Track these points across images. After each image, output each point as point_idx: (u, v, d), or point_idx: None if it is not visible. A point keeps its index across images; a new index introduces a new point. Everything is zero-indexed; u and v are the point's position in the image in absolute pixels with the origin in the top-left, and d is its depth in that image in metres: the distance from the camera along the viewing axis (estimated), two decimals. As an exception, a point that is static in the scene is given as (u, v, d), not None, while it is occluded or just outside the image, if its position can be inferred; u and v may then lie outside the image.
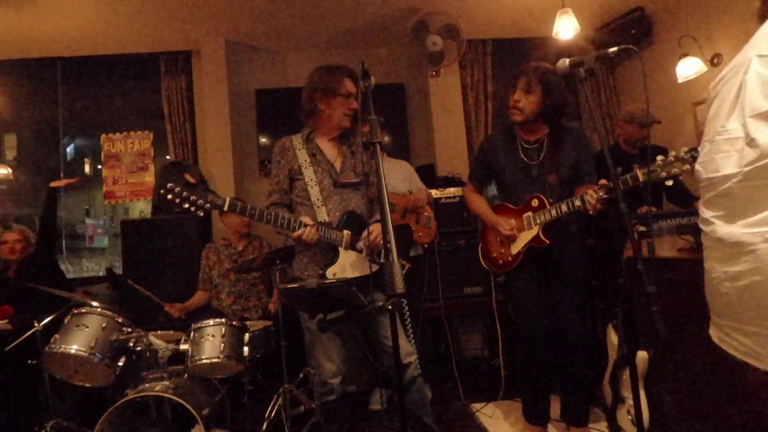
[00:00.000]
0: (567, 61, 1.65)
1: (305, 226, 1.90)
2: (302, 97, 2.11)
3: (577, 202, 2.01)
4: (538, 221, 2.15)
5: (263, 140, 4.40)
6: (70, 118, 4.56)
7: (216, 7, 3.70)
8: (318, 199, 2.02)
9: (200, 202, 1.81)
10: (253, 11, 3.81)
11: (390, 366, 1.99)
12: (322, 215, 2.01)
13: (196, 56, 4.32)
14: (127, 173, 4.40)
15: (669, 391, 2.29)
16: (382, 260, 1.99)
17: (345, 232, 2.00)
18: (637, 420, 1.69)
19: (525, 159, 2.25)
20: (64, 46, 4.06)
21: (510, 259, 2.26)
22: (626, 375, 2.20)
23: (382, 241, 1.97)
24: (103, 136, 4.42)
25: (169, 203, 1.78)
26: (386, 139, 4.23)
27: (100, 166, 4.48)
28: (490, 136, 2.43)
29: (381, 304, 1.36)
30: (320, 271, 2.00)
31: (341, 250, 2.00)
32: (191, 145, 4.27)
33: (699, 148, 1.59)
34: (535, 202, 2.18)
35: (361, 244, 2.04)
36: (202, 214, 1.81)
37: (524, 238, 2.21)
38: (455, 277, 3.41)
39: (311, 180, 2.04)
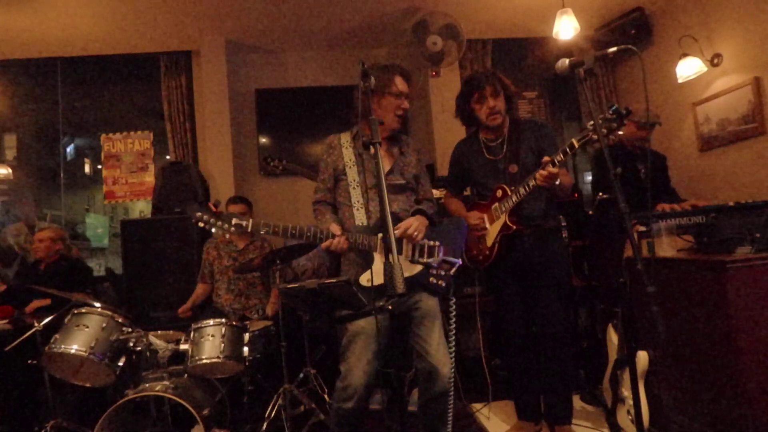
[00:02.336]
0: (567, 61, 1.66)
1: (333, 236, 1.85)
2: (353, 96, 2.04)
3: (531, 182, 2.09)
4: (504, 209, 2.23)
5: (263, 140, 4.40)
6: (70, 118, 4.56)
7: (216, 7, 3.70)
8: (358, 201, 1.97)
9: (226, 226, 1.85)
10: (253, 11, 3.81)
11: (422, 369, 1.92)
12: (361, 218, 1.95)
13: (196, 56, 4.32)
14: (127, 173, 4.40)
15: (669, 391, 2.29)
16: (425, 260, 1.94)
17: (379, 235, 1.91)
18: (637, 420, 1.69)
19: (490, 157, 2.36)
20: (64, 46, 4.06)
21: (487, 252, 2.33)
22: (626, 375, 2.20)
23: (418, 235, 1.92)
24: (103, 136, 4.42)
25: (201, 228, 1.89)
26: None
27: (100, 166, 4.48)
28: (458, 144, 2.52)
29: (381, 303, 1.34)
30: (353, 279, 1.93)
31: (376, 255, 1.92)
32: (191, 145, 4.27)
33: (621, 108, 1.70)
34: (499, 193, 2.26)
35: (400, 246, 1.95)
36: (228, 236, 1.85)
37: (495, 229, 2.29)
38: (455, 277, 3.40)
39: (354, 181, 1.99)
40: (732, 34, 3.44)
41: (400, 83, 2.00)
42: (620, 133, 3.16)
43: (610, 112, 1.79)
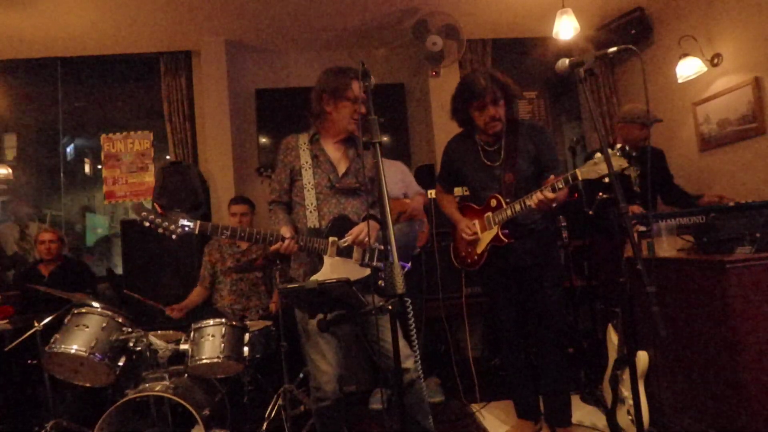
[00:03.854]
0: (567, 61, 1.65)
1: (283, 239, 1.89)
2: (311, 97, 2.07)
3: (528, 201, 2.05)
4: (496, 221, 2.21)
5: (263, 140, 4.40)
6: (70, 118, 4.56)
7: (216, 7, 3.70)
8: (311, 203, 1.99)
9: (172, 227, 1.86)
10: (253, 11, 3.81)
11: (387, 368, 1.96)
12: (314, 220, 1.97)
13: (196, 56, 4.32)
14: (127, 173, 4.40)
15: (669, 391, 2.29)
16: (371, 263, 1.97)
17: (330, 239, 1.95)
18: (637, 420, 1.69)
19: (487, 162, 2.31)
20: (64, 46, 4.06)
21: (476, 257, 2.33)
22: (626, 375, 2.20)
23: (367, 241, 1.95)
24: (103, 136, 4.42)
25: (148, 228, 1.87)
26: (385, 139, 4.23)
27: (100, 166, 4.48)
28: (451, 141, 2.47)
29: (381, 303, 1.34)
30: (302, 280, 1.99)
31: (326, 257, 1.96)
32: (191, 145, 4.27)
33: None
34: (493, 202, 2.24)
35: (351, 249, 1.99)
36: (174, 237, 1.87)
37: (486, 238, 2.27)
38: (455, 277, 3.41)
39: (309, 183, 2.00)
40: (732, 34, 3.44)
41: (356, 87, 1.98)
42: (619, 134, 3.17)
43: (619, 152, 1.78)
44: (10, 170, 4.42)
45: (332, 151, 2.09)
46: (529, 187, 2.13)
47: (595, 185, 2.99)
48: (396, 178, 3.07)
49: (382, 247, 2.02)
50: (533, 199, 2.01)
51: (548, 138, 2.31)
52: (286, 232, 1.92)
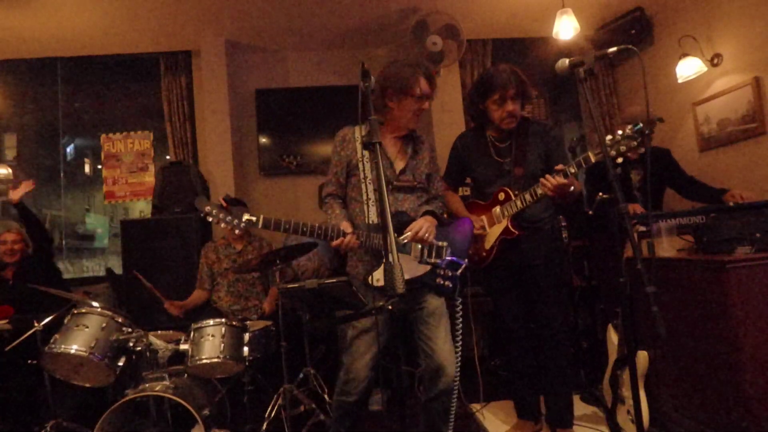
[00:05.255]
0: (567, 61, 1.65)
1: (344, 234, 1.83)
2: (375, 89, 1.94)
3: (538, 189, 2.03)
4: (506, 213, 2.19)
5: (263, 140, 4.40)
6: (70, 118, 4.56)
7: (216, 7, 3.70)
8: (370, 198, 1.92)
9: (236, 221, 1.84)
10: (253, 11, 3.81)
11: (426, 367, 1.92)
12: (373, 215, 1.91)
13: (196, 56, 4.32)
14: (127, 173, 4.40)
15: (669, 391, 2.29)
16: (433, 260, 1.92)
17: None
18: (637, 420, 1.69)
19: (497, 158, 2.30)
20: (64, 46, 4.06)
21: (484, 254, 2.30)
22: (626, 375, 2.20)
23: (429, 237, 1.90)
24: (103, 136, 4.42)
25: (201, 228, 1.84)
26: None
27: (100, 166, 4.48)
28: (462, 135, 2.46)
29: (381, 303, 1.32)
30: (363, 277, 1.93)
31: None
32: (191, 145, 4.27)
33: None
34: (501, 196, 2.22)
35: (409, 246, 1.94)
36: (238, 232, 1.82)
37: (495, 232, 2.25)
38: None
39: (366, 177, 1.94)
40: (732, 34, 3.44)
41: (423, 85, 1.94)
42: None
43: (633, 130, 1.76)
44: (10, 170, 4.41)
45: (390, 146, 2.03)
46: (538, 182, 2.11)
47: (596, 185, 3.00)
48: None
49: (440, 244, 1.96)
50: (546, 185, 1.96)
51: (557, 137, 2.31)
52: (347, 227, 1.86)
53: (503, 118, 2.20)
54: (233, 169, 4.15)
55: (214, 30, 4.07)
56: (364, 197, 1.93)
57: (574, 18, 3.54)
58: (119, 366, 2.18)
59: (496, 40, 4.51)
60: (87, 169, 4.97)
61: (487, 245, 2.29)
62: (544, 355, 2.32)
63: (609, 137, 1.81)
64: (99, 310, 2.24)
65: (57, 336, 2.15)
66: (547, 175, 1.98)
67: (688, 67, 3.55)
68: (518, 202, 2.14)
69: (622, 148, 1.78)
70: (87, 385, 2.29)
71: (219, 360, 2.22)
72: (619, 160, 1.81)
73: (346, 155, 2.00)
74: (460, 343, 1.99)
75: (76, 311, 2.22)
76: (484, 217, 2.30)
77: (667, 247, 2.33)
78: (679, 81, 3.64)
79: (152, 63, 4.33)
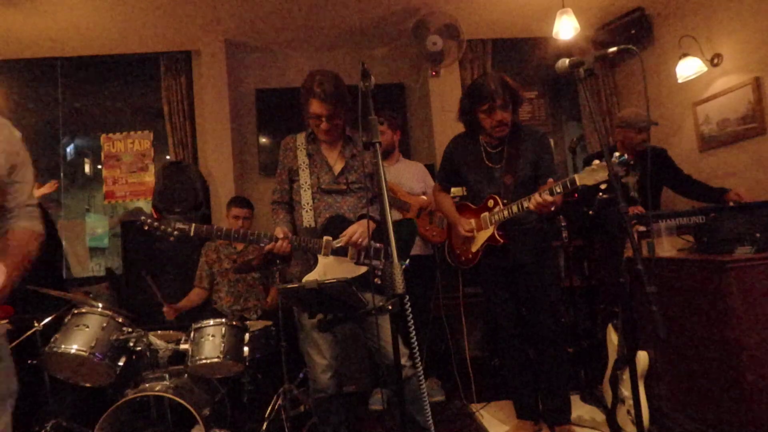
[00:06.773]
0: (567, 61, 1.65)
1: (275, 239, 1.94)
2: (299, 96, 2.07)
3: (526, 204, 2.06)
4: (493, 221, 2.23)
5: (263, 140, 4.40)
6: (70, 118, 4.55)
7: (216, 7, 3.70)
8: (307, 203, 2.02)
9: (169, 230, 1.96)
10: (252, 11, 3.81)
11: (381, 366, 1.99)
12: (309, 219, 2.02)
13: (196, 56, 4.31)
14: (127, 173, 4.40)
15: (669, 391, 2.29)
16: (368, 261, 2.00)
17: (325, 238, 1.98)
18: (637, 420, 1.69)
19: (488, 163, 2.33)
20: (64, 46, 4.06)
21: (470, 256, 2.36)
22: (626, 375, 2.20)
23: (363, 242, 1.98)
24: (103, 136, 4.42)
25: (147, 232, 2.00)
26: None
27: (100, 166, 4.48)
28: (455, 139, 2.48)
29: (382, 303, 1.34)
30: (297, 278, 2.02)
31: (320, 256, 1.99)
32: (191, 145, 4.26)
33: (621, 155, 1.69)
34: (490, 203, 2.27)
35: (346, 248, 2.01)
36: (172, 239, 1.98)
37: (482, 237, 2.30)
38: (455, 277, 3.40)
39: (305, 183, 2.04)
40: (732, 34, 3.44)
41: (315, 107, 1.97)
42: (618, 138, 3.16)
43: (618, 160, 1.77)
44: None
45: (328, 150, 2.11)
46: (527, 190, 2.14)
47: (595, 185, 3.00)
48: (416, 176, 3.14)
49: (377, 246, 2.03)
50: (532, 202, 2.02)
51: (548, 145, 2.33)
52: (279, 232, 1.97)
53: (494, 126, 2.22)
54: (233, 169, 4.15)
55: (214, 30, 4.07)
56: (303, 202, 2.03)
57: (574, 18, 3.54)
58: (119, 366, 2.18)
59: (496, 40, 4.50)
60: (87, 169, 4.96)
61: (474, 248, 2.34)
62: (539, 353, 2.34)
63: (596, 162, 1.86)
64: (99, 309, 2.24)
65: (57, 336, 2.15)
66: (536, 194, 2.01)
67: (688, 67, 3.55)
68: (505, 212, 2.18)
69: (600, 177, 1.84)
70: (87, 385, 2.29)
71: (219, 360, 2.23)
72: (603, 186, 1.85)
73: (287, 163, 2.10)
74: (414, 337, 2.05)
75: (76, 311, 2.22)
76: (473, 221, 2.34)
77: (667, 247, 2.33)
78: (679, 81, 3.65)
79: (152, 63, 4.33)
